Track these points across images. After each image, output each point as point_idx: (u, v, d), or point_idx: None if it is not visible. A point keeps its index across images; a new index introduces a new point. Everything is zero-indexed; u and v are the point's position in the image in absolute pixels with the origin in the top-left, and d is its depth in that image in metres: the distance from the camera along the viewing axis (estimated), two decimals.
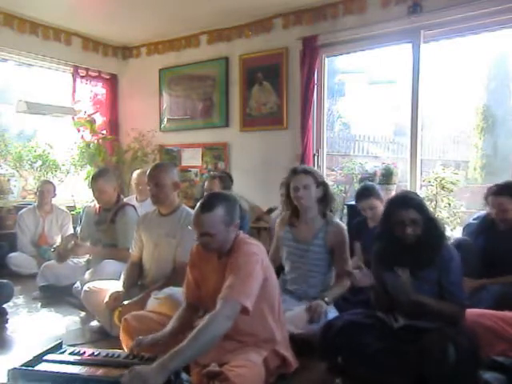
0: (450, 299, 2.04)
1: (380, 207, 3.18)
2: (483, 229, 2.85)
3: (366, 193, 3.17)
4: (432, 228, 2.09)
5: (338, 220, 2.67)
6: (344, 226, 2.66)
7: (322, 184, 2.57)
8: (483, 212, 3.00)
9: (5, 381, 1.64)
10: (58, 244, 3.37)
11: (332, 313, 2.43)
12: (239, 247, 1.91)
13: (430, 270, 2.06)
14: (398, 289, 2.04)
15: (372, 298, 2.28)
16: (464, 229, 3.15)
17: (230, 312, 1.72)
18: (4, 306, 3.09)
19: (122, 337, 2.19)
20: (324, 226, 2.59)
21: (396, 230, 2.10)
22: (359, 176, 4.50)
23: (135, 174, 4.53)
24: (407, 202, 2.10)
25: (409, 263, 2.07)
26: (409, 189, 4.02)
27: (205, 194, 3.41)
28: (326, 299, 2.41)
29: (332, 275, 2.65)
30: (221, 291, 1.78)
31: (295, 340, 2.17)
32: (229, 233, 1.92)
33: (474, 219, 3.11)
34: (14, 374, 1.63)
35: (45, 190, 4.42)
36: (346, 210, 4.16)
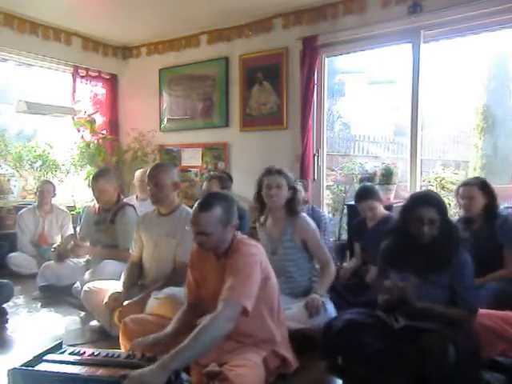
0: (462, 304, 2.00)
1: (379, 208, 3.19)
2: None
3: (365, 194, 3.18)
4: (447, 230, 2.06)
5: (303, 214, 2.70)
6: (306, 215, 2.69)
7: (292, 188, 2.64)
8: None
9: (5, 381, 1.64)
10: (58, 244, 3.37)
11: (329, 304, 2.47)
12: (238, 248, 1.91)
13: (443, 274, 2.03)
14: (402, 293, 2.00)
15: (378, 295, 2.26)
16: None
17: (231, 313, 1.72)
18: (4, 305, 3.09)
19: (121, 340, 2.19)
20: (290, 221, 2.63)
21: (412, 226, 2.07)
22: (359, 176, 4.50)
23: (138, 172, 4.55)
24: (429, 200, 2.08)
25: (421, 264, 2.04)
26: (409, 189, 4.03)
27: None
28: (319, 292, 2.44)
29: (315, 267, 2.69)
30: (220, 292, 1.78)
31: (296, 336, 2.18)
32: (226, 233, 1.91)
33: None
34: (14, 373, 1.63)
35: (45, 190, 4.42)
36: (345, 210, 4.16)
